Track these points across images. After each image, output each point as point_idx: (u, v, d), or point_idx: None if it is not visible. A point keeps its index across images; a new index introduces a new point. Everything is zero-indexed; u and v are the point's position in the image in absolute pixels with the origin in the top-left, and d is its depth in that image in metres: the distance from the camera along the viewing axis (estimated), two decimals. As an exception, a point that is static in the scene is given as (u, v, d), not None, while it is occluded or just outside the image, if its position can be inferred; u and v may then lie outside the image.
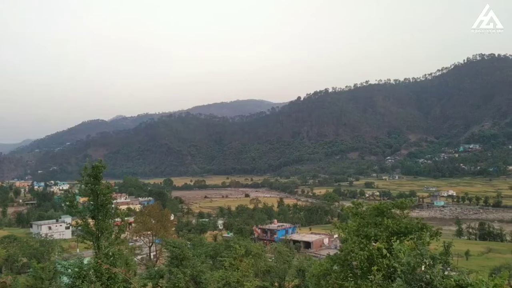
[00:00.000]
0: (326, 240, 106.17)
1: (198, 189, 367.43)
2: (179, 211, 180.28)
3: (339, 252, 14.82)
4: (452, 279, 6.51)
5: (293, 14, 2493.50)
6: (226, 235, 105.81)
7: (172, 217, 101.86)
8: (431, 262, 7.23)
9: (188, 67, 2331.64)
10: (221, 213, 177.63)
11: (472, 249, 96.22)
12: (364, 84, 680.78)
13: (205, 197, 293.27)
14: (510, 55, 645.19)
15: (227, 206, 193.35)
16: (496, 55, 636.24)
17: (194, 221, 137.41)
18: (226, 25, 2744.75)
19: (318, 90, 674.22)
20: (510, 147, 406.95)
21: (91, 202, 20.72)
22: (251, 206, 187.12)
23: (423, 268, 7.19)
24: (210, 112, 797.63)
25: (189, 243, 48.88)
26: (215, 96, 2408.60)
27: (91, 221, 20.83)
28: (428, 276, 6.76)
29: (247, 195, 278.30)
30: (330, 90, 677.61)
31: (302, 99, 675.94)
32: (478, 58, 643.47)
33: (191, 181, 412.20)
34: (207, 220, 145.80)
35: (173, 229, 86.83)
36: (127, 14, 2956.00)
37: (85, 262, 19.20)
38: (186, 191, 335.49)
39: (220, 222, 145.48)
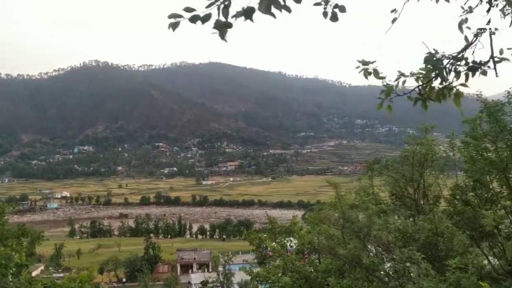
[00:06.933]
0: None
1: None
2: None
3: None
4: (40, 283, 6.21)
5: None
6: None
7: None
8: (16, 270, 6.66)
9: None
10: None
11: (84, 247, 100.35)
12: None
13: None
14: (121, 65, 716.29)
15: None
16: (110, 63, 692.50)
17: None
18: None
19: None
20: (119, 149, 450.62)
21: None
22: None
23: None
24: None
25: None
26: None
27: None
28: (11, 284, 6.17)
29: None
30: None
31: None
32: (93, 64, 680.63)
33: None
34: None
35: None
36: None
37: None
38: None
39: None
